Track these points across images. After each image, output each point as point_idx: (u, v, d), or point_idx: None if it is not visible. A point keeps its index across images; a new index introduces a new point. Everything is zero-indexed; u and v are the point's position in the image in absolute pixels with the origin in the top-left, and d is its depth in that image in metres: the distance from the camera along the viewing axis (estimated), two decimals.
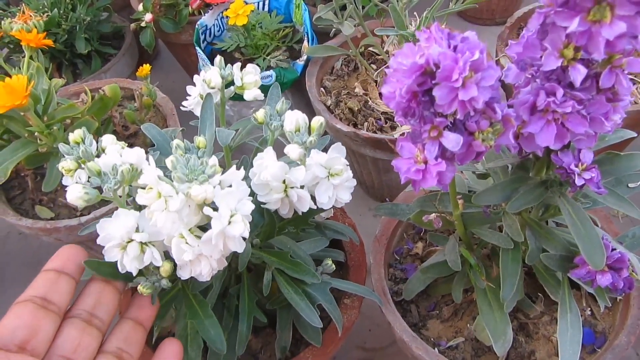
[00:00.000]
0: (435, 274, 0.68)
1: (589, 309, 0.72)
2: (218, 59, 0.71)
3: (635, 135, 0.64)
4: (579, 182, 0.54)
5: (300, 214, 0.62)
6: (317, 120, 0.59)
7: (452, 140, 0.48)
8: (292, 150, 0.57)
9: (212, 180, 0.50)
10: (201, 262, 0.53)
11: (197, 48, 1.10)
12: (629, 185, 0.65)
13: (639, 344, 0.99)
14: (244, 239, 0.52)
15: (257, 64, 1.06)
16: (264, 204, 0.60)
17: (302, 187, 0.60)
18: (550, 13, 0.46)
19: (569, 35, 0.46)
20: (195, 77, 0.72)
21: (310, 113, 1.06)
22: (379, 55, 1.10)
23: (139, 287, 0.54)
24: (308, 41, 1.08)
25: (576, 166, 0.54)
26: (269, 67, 1.06)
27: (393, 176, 1.05)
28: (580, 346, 0.58)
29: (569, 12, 0.45)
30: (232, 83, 0.72)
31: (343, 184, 0.61)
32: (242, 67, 1.14)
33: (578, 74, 0.47)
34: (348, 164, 0.62)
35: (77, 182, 0.59)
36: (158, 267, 0.56)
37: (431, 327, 0.72)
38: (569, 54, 0.47)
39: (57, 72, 1.22)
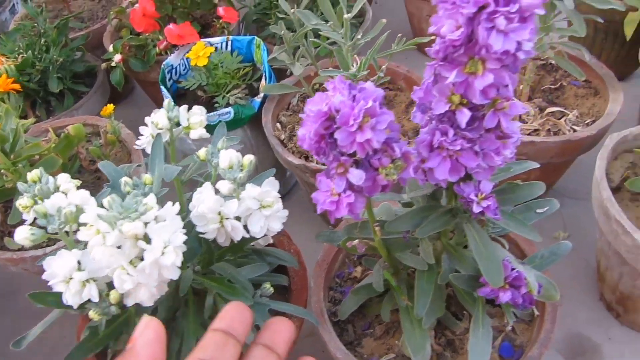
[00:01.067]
0: (365, 295, 0.75)
1: (510, 325, 0.78)
2: (167, 101, 0.78)
3: (538, 165, 0.71)
4: (476, 209, 0.60)
5: (236, 242, 0.68)
6: (248, 158, 0.66)
7: (356, 176, 0.55)
8: (222, 186, 0.64)
9: (146, 216, 0.57)
10: (141, 289, 0.60)
11: (162, 87, 1.17)
12: (537, 210, 0.72)
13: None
14: (182, 266, 0.59)
15: (217, 102, 1.13)
16: (202, 233, 0.67)
17: (238, 218, 0.67)
18: (437, 66, 0.54)
19: (450, 83, 0.53)
20: (146, 118, 0.79)
21: (267, 146, 1.13)
22: None
23: (90, 313, 0.60)
24: (266, 79, 1.16)
25: (476, 195, 0.61)
26: (228, 104, 1.14)
27: None
28: (488, 357, 0.64)
29: (450, 65, 0.52)
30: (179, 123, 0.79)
31: (274, 214, 0.67)
32: (205, 104, 1.21)
33: (463, 116, 0.54)
34: (280, 196, 0.69)
35: (31, 219, 0.66)
36: (108, 294, 0.62)
37: (366, 345, 0.78)
38: (456, 100, 0.54)
39: (31, 110, 1.29)
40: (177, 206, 0.62)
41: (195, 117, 0.77)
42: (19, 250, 0.96)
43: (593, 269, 1.08)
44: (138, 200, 0.58)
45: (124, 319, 0.69)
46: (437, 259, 0.70)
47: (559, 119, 1.05)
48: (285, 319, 0.45)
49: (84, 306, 0.62)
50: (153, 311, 0.69)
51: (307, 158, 1.06)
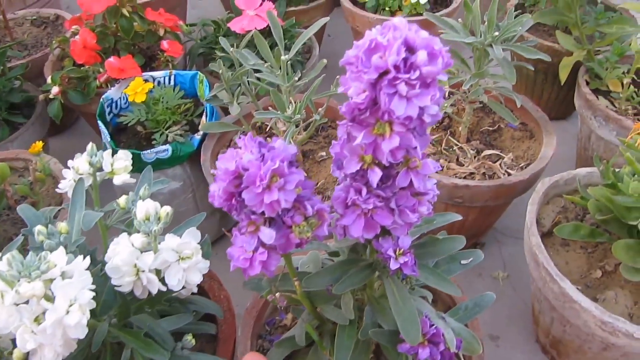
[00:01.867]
0: (288, 348, 0.73)
1: None
2: (90, 146, 0.76)
3: (460, 217, 0.71)
4: (393, 266, 0.60)
5: (154, 295, 0.66)
6: (164, 210, 0.64)
7: (267, 235, 0.54)
8: (136, 240, 0.62)
9: (50, 273, 0.54)
10: (44, 349, 0.57)
11: (100, 122, 1.14)
12: (462, 261, 0.73)
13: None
14: (98, 319, 0.56)
15: (155, 138, 1.11)
16: (118, 286, 0.64)
17: (158, 271, 0.65)
18: (347, 125, 0.54)
19: (359, 144, 0.53)
20: (69, 162, 0.76)
21: (207, 185, 1.12)
22: (273, 129, 1.17)
23: None
24: (206, 116, 1.14)
25: (394, 251, 0.61)
26: (166, 141, 1.12)
27: None
28: None
29: (359, 126, 0.52)
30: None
31: (193, 266, 0.66)
32: (144, 139, 1.19)
33: (374, 175, 0.54)
34: (200, 247, 0.67)
35: None
36: (10, 353, 0.59)
37: None
38: (368, 159, 0.54)
39: None
40: (87, 261, 0.60)
41: (120, 162, 0.76)
42: None
43: (530, 310, 1.09)
44: (42, 256, 0.56)
45: None
46: (361, 311, 0.69)
47: (495, 161, 1.07)
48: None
49: None
50: None
51: None
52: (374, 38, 0.48)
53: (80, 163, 0.73)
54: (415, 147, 0.53)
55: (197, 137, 1.13)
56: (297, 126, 0.99)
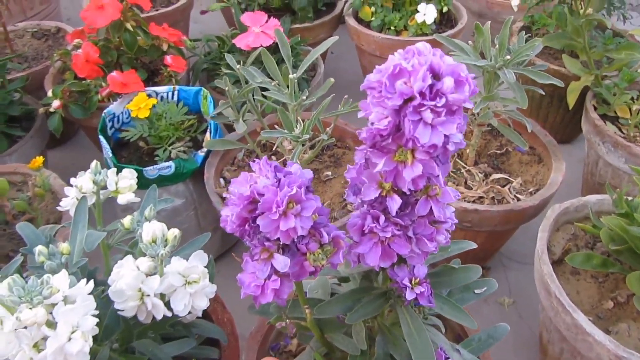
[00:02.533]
0: None
1: None
2: (94, 163, 0.74)
3: (475, 246, 0.69)
4: (410, 296, 0.58)
5: (158, 320, 0.63)
6: (172, 233, 0.62)
7: (281, 262, 0.52)
8: (142, 264, 0.60)
9: (53, 298, 0.52)
10: None
11: (101, 136, 1.12)
12: (476, 291, 0.71)
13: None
14: (99, 344, 0.54)
15: (158, 154, 1.09)
16: (121, 310, 0.62)
17: (163, 295, 0.63)
18: (367, 151, 0.52)
19: (378, 171, 0.51)
20: (72, 179, 0.74)
21: (210, 202, 1.09)
22: (278, 148, 1.15)
23: None
24: (210, 133, 1.13)
25: (410, 281, 0.59)
26: (169, 158, 1.10)
27: None
28: None
29: (379, 152, 0.50)
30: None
31: (200, 291, 0.63)
32: (146, 155, 1.17)
33: (394, 203, 0.52)
34: (207, 271, 0.65)
35: None
36: None
37: None
38: (387, 186, 0.52)
39: None
40: (90, 285, 0.57)
41: (125, 181, 0.73)
42: None
43: (537, 338, 1.06)
44: (44, 280, 0.53)
45: None
46: (372, 339, 0.67)
47: (504, 186, 1.06)
48: None
49: None
50: None
51: None
52: (398, 63, 0.46)
53: (84, 181, 0.71)
54: (438, 176, 0.51)
55: (201, 154, 1.11)
56: (303, 145, 0.97)
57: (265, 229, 0.50)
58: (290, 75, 0.95)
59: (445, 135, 0.46)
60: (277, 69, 0.97)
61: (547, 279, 0.85)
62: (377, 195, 0.53)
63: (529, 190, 1.05)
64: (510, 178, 1.08)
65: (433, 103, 0.45)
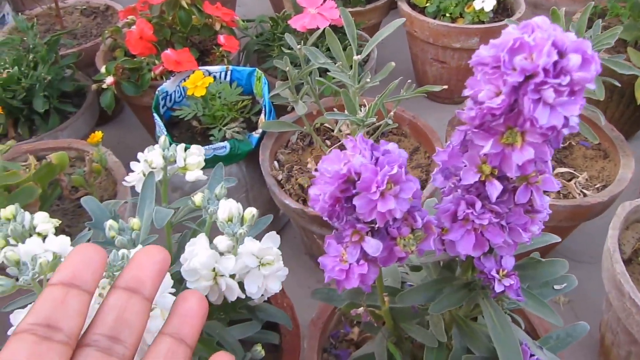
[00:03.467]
0: None
1: None
2: (162, 138, 0.72)
3: (560, 240, 0.66)
4: (498, 288, 0.55)
5: (230, 302, 0.61)
6: (250, 212, 0.60)
7: (373, 246, 0.50)
8: (220, 242, 0.58)
9: None
10: None
11: (155, 114, 1.11)
12: (555, 287, 0.67)
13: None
14: None
15: (213, 134, 1.08)
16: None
17: (232, 275, 0.61)
18: (469, 132, 0.49)
19: (484, 153, 0.48)
20: (139, 154, 0.73)
21: (264, 185, 1.07)
22: (334, 131, 1.13)
23: None
24: (265, 115, 1.10)
25: (497, 272, 0.56)
26: (224, 138, 1.08)
27: None
28: None
29: (484, 133, 0.47)
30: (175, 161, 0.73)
31: (274, 274, 0.61)
32: (199, 135, 1.15)
33: (494, 189, 0.49)
34: (280, 253, 0.63)
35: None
36: None
37: None
38: (486, 170, 0.49)
39: (12, 128, 1.22)
40: None
41: (193, 158, 0.72)
42: None
43: (594, 340, 1.03)
44: (124, 255, 0.51)
45: None
46: (445, 331, 0.64)
47: (569, 180, 1.01)
48: (193, 296, 0.36)
49: None
50: None
51: (304, 202, 1.00)
52: (518, 37, 0.43)
53: (155, 156, 0.69)
54: (546, 161, 0.48)
55: (255, 135, 1.09)
56: (365, 129, 0.94)
57: (361, 209, 0.47)
58: (355, 57, 0.92)
59: (565, 117, 0.43)
60: (341, 49, 0.94)
61: (620, 279, 0.81)
62: (477, 179, 0.50)
63: (596, 186, 1.01)
64: (575, 173, 1.04)
65: (557, 81, 0.42)
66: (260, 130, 1.09)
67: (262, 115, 1.11)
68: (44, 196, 0.91)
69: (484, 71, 0.45)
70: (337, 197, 0.49)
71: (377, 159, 0.48)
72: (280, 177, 1.04)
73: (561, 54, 0.43)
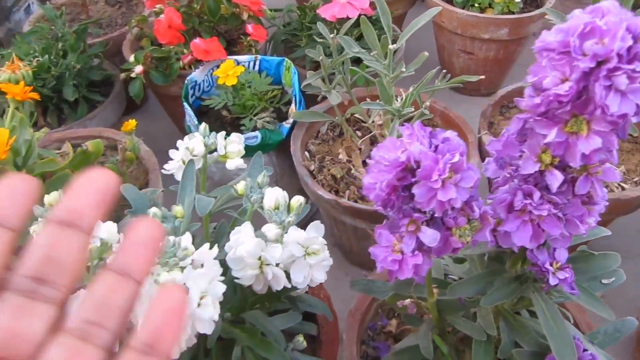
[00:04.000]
0: (407, 359, 0.67)
1: None
2: (203, 126, 0.71)
3: (609, 233, 0.65)
4: (553, 281, 0.54)
5: (274, 291, 0.61)
6: (297, 200, 0.59)
7: (430, 236, 0.49)
8: (269, 231, 0.57)
9: (183, 262, 0.50)
10: None
11: (185, 103, 1.10)
12: (603, 281, 0.66)
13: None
14: (214, 320, 0.51)
15: (244, 124, 1.07)
16: (237, 278, 0.60)
17: (277, 264, 0.60)
18: (530, 120, 0.48)
19: (547, 142, 0.47)
20: (179, 142, 0.72)
21: (294, 176, 1.07)
22: (365, 122, 1.12)
23: None
24: (296, 104, 1.10)
25: (550, 264, 0.55)
26: (255, 128, 1.07)
27: (372, 243, 1.04)
28: None
29: (547, 121, 0.46)
30: (215, 150, 0.72)
31: (319, 263, 0.61)
32: (229, 125, 1.15)
33: (554, 179, 0.48)
34: (325, 243, 0.62)
35: None
36: None
37: None
38: (546, 159, 0.48)
39: (42, 116, 1.22)
40: (215, 249, 0.55)
41: (233, 146, 0.71)
42: None
43: (629, 337, 1.01)
44: (176, 242, 0.51)
45: None
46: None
47: None
48: (142, 222, 0.29)
49: None
50: None
51: (337, 192, 0.99)
52: (589, 21, 0.42)
53: (196, 144, 0.68)
54: (612, 151, 0.47)
55: (286, 125, 1.08)
56: (400, 119, 0.93)
57: (420, 198, 0.46)
58: (391, 46, 0.91)
59: (637, 105, 0.42)
60: (377, 38, 0.93)
61: None
62: (537, 169, 0.48)
63: (634, 180, 0.99)
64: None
65: (631, 67, 0.40)
66: (291, 120, 1.08)
67: (293, 105, 1.10)
68: None
69: (549, 57, 0.44)
70: (394, 185, 0.48)
71: (436, 146, 0.47)
72: (312, 168, 1.03)
73: (635, 39, 0.41)
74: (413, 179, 0.47)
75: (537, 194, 0.50)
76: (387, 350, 0.75)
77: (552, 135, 0.45)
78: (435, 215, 0.48)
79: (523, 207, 0.50)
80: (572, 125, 0.45)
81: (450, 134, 0.48)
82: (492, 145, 0.53)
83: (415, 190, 0.46)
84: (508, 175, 0.53)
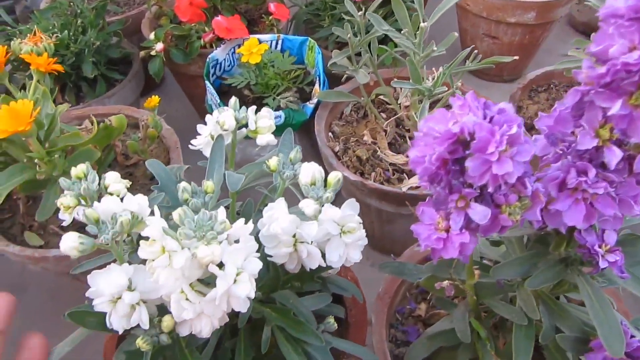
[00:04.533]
0: (441, 343, 0.66)
1: None
2: (233, 100, 0.69)
3: None
4: (602, 264, 0.52)
5: (308, 270, 0.59)
6: (335, 176, 0.57)
7: (480, 213, 0.46)
8: (308, 206, 0.55)
9: (220, 237, 0.48)
10: (202, 320, 0.50)
11: (207, 82, 1.08)
12: None
13: None
14: (249, 298, 0.49)
15: (267, 104, 1.04)
16: (270, 256, 0.58)
17: (312, 242, 0.58)
18: (590, 92, 0.45)
19: (607, 116, 0.45)
20: (208, 117, 0.70)
21: (316, 157, 1.04)
22: (389, 104, 1.09)
23: (138, 342, 0.51)
24: (320, 84, 1.07)
25: (600, 247, 0.52)
26: (278, 107, 1.05)
27: (396, 228, 1.02)
28: None
29: (610, 93, 0.44)
30: (245, 125, 0.70)
31: (355, 242, 0.58)
32: (250, 105, 1.13)
33: (613, 156, 0.46)
34: (361, 221, 0.59)
35: (69, 220, 0.57)
36: (160, 320, 0.53)
37: None
38: (605, 135, 0.46)
39: (60, 94, 1.20)
40: (250, 225, 0.53)
41: (264, 121, 0.69)
42: (40, 247, 0.87)
43: None
44: (214, 215, 0.49)
45: (167, 345, 0.59)
46: None
47: None
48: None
49: (129, 331, 0.53)
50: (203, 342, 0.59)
51: (362, 174, 0.97)
52: None
53: (227, 117, 0.66)
54: None
55: (310, 105, 1.06)
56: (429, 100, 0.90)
57: (474, 172, 0.44)
58: (422, 24, 0.88)
59: None
60: (408, 16, 0.90)
61: None
62: (594, 144, 0.46)
63: None
64: None
65: None
66: (314, 101, 1.06)
67: (317, 85, 1.07)
68: (99, 161, 0.89)
69: (617, 24, 0.42)
70: (445, 158, 0.46)
71: (491, 117, 0.45)
72: (337, 149, 1.00)
73: None
74: (466, 152, 0.44)
75: (592, 172, 0.47)
76: (416, 334, 0.73)
77: (616, 107, 0.43)
78: (486, 191, 0.46)
79: (577, 184, 0.48)
80: (637, 98, 0.43)
81: (506, 105, 0.46)
82: (543, 121, 0.50)
83: (468, 163, 0.44)
84: (560, 152, 0.50)
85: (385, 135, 1.04)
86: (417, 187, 0.92)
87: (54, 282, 1.09)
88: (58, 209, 0.58)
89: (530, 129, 1.08)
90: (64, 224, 0.59)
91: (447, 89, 0.93)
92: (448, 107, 0.47)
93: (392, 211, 0.94)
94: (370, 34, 0.95)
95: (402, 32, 0.90)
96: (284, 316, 0.59)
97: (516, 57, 0.91)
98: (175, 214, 0.48)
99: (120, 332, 0.51)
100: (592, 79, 0.44)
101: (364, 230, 0.58)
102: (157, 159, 1.00)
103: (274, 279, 0.60)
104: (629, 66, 0.41)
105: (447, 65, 0.89)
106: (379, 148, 1.01)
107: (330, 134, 1.05)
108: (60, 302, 1.07)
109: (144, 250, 0.48)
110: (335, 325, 0.65)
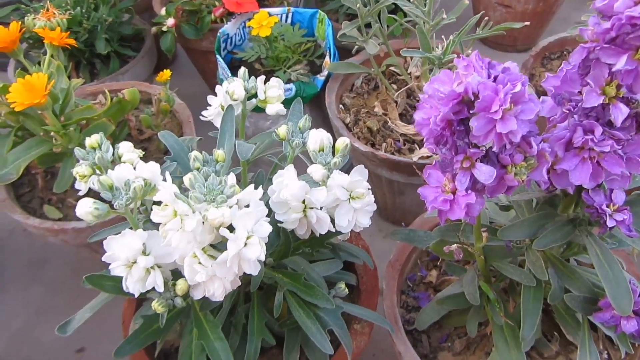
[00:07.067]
0: (451, 306, 0.66)
1: (606, 352, 0.69)
2: (242, 70, 0.70)
3: None
4: (610, 223, 0.52)
5: (318, 235, 0.60)
6: (343, 142, 0.58)
7: (485, 173, 0.47)
8: (316, 171, 0.56)
9: (230, 200, 0.49)
10: (214, 283, 0.52)
11: (218, 56, 1.09)
12: None
13: None
14: (260, 261, 0.51)
15: (278, 76, 1.05)
16: (281, 222, 0.59)
17: (321, 208, 0.59)
18: (595, 49, 0.45)
19: (613, 72, 0.45)
20: (218, 87, 0.71)
21: (327, 129, 1.05)
22: (400, 75, 1.09)
23: (153, 304, 0.53)
24: (330, 57, 1.07)
25: (607, 206, 0.52)
26: (289, 80, 1.05)
27: (407, 198, 1.03)
28: None
29: (616, 49, 0.43)
30: (254, 96, 0.71)
31: (364, 208, 0.59)
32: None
33: (619, 113, 0.46)
34: (370, 187, 0.60)
35: (85, 189, 0.58)
36: (174, 283, 0.55)
37: None
38: (610, 92, 0.46)
39: (74, 71, 1.21)
40: (260, 190, 0.54)
41: (273, 91, 0.69)
42: (59, 220, 0.89)
43: None
44: (224, 180, 0.50)
45: (182, 309, 0.61)
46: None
47: None
48: None
49: (145, 295, 0.55)
50: (217, 306, 0.61)
51: (373, 145, 0.97)
52: None
53: (236, 87, 0.67)
54: None
55: (321, 78, 1.06)
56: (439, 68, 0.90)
57: (478, 131, 0.44)
58: None
59: None
60: None
61: None
62: (600, 102, 0.46)
63: None
64: None
65: None
66: (325, 73, 1.06)
67: (327, 58, 1.07)
68: (113, 136, 0.90)
69: None
70: (449, 119, 0.46)
71: (495, 77, 0.45)
72: (347, 121, 1.01)
73: None
74: (470, 112, 0.45)
75: (599, 129, 0.47)
76: (427, 300, 0.74)
77: (621, 62, 0.43)
78: (491, 151, 0.46)
79: (583, 143, 0.48)
80: None
81: (510, 64, 0.46)
82: (549, 81, 0.50)
83: (473, 122, 0.44)
84: (566, 112, 0.50)
85: (396, 106, 1.04)
86: (428, 157, 0.92)
87: (74, 255, 1.11)
88: (75, 181, 0.60)
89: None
90: (80, 193, 0.60)
91: (465, 55, 0.92)
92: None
93: (403, 181, 0.95)
94: (380, 3, 0.95)
95: (411, 0, 0.89)
96: (296, 281, 0.61)
97: (527, 23, 0.90)
98: (186, 179, 0.49)
99: (136, 296, 0.53)
100: (598, 35, 0.44)
101: (372, 196, 0.59)
102: None
103: (284, 245, 0.61)
104: (633, 19, 0.41)
105: (457, 32, 0.88)
106: (389, 119, 1.01)
107: (341, 106, 1.05)
108: (81, 274, 1.09)
109: (156, 215, 0.49)
110: (346, 290, 0.66)
